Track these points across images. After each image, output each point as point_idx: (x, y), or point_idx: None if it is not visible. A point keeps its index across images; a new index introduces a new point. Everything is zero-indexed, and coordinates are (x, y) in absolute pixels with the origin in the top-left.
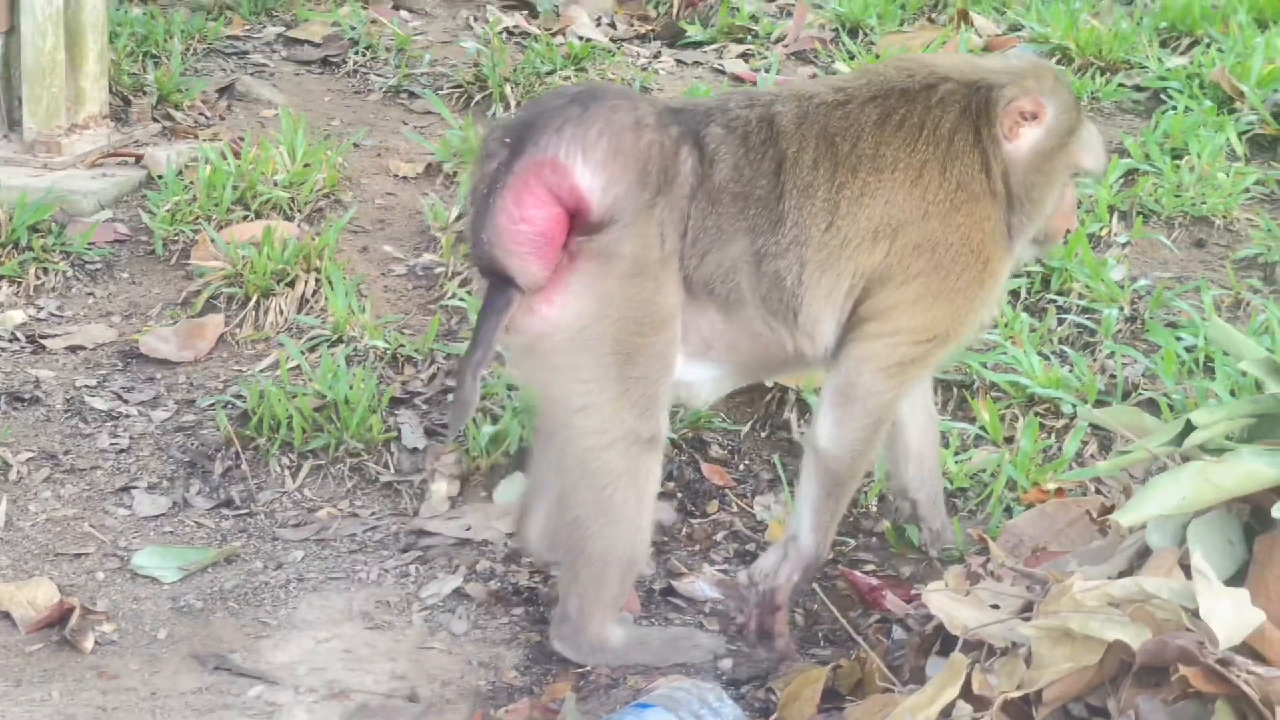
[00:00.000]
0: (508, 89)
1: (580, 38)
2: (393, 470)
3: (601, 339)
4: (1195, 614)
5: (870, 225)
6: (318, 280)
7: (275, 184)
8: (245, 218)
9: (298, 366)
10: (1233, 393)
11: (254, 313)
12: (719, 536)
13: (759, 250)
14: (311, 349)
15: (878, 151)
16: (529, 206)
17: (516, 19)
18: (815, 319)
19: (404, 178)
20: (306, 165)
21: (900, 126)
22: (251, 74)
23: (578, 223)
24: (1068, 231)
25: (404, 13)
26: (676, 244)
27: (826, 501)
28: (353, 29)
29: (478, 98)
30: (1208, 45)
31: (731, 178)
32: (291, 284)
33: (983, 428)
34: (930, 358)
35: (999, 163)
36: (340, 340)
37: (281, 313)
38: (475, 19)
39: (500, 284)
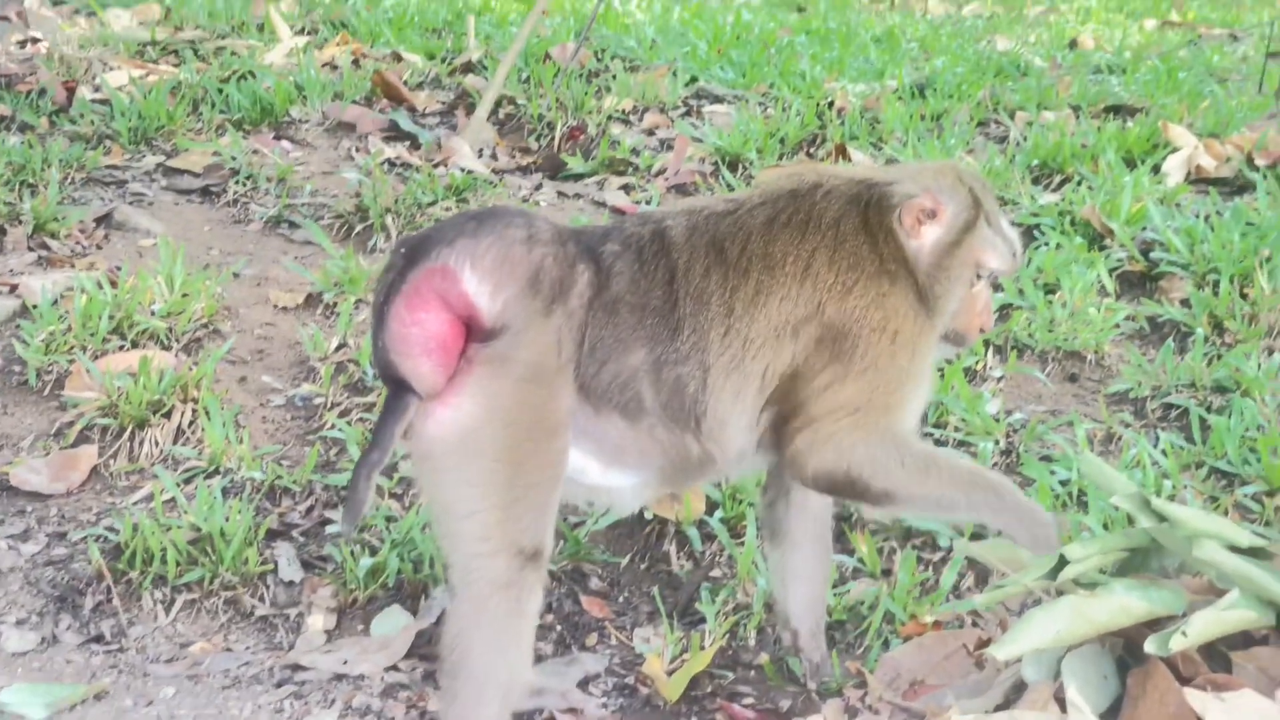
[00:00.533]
0: (389, 219)
1: (462, 169)
2: (268, 604)
3: (493, 443)
4: None
5: (770, 325)
6: (194, 411)
7: (153, 314)
8: (121, 348)
9: (173, 499)
10: (1106, 526)
11: (129, 444)
12: (599, 671)
13: (658, 359)
14: (187, 480)
15: (767, 251)
16: (420, 311)
17: (398, 150)
18: (722, 422)
19: (283, 308)
20: (185, 295)
21: (787, 224)
22: (130, 203)
23: (474, 330)
24: (982, 330)
25: (285, 143)
26: (573, 353)
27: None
28: (233, 159)
29: (359, 228)
30: (1078, 183)
31: (628, 289)
32: (168, 414)
33: (861, 560)
34: (870, 425)
35: (893, 248)
36: (217, 472)
37: (157, 444)
38: (357, 150)
39: (399, 389)
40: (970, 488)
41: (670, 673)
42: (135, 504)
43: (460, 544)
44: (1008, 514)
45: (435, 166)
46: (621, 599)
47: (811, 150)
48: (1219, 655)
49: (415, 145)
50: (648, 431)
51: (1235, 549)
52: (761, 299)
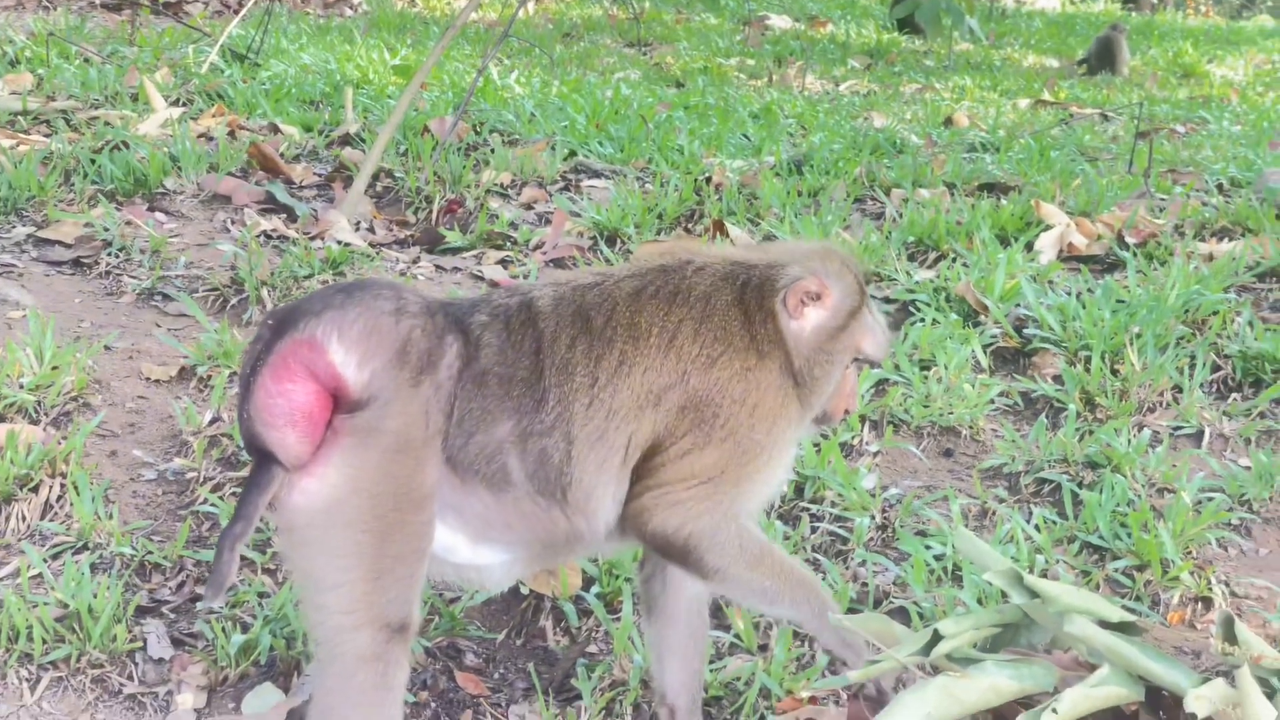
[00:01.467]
0: (264, 292)
1: (339, 242)
2: (137, 682)
3: (359, 514)
4: None
5: (633, 395)
6: (63, 485)
7: (20, 386)
8: None
9: (39, 574)
10: (980, 601)
11: None
12: None
13: (524, 430)
14: (55, 556)
15: (632, 321)
16: (285, 382)
17: (274, 222)
18: (588, 494)
19: (156, 381)
20: (54, 368)
21: (655, 295)
22: (0, 274)
23: (340, 402)
24: (847, 412)
25: (159, 214)
26: (441, 425)
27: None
28: (106, 230)
29: (234, 301)
30: (953, 260)
31: (496, 360)
32: (35, 489)
33: (738, 635)
34: (718, 498)
35: (770, 328)
36: (85, 547)
37: (24, 519)
38: (232, 222)
39: (264, 460)
40: (796, 587)
41: None
42: (1, 580)
43: (325, 617)
44: (826, 625)
45: (312, 239)
46: (497, 675)
47: (689, 225)
48: None
49: (292, 218)
50: (514, 504)
51: (1105, 624)
52: (625, 369)
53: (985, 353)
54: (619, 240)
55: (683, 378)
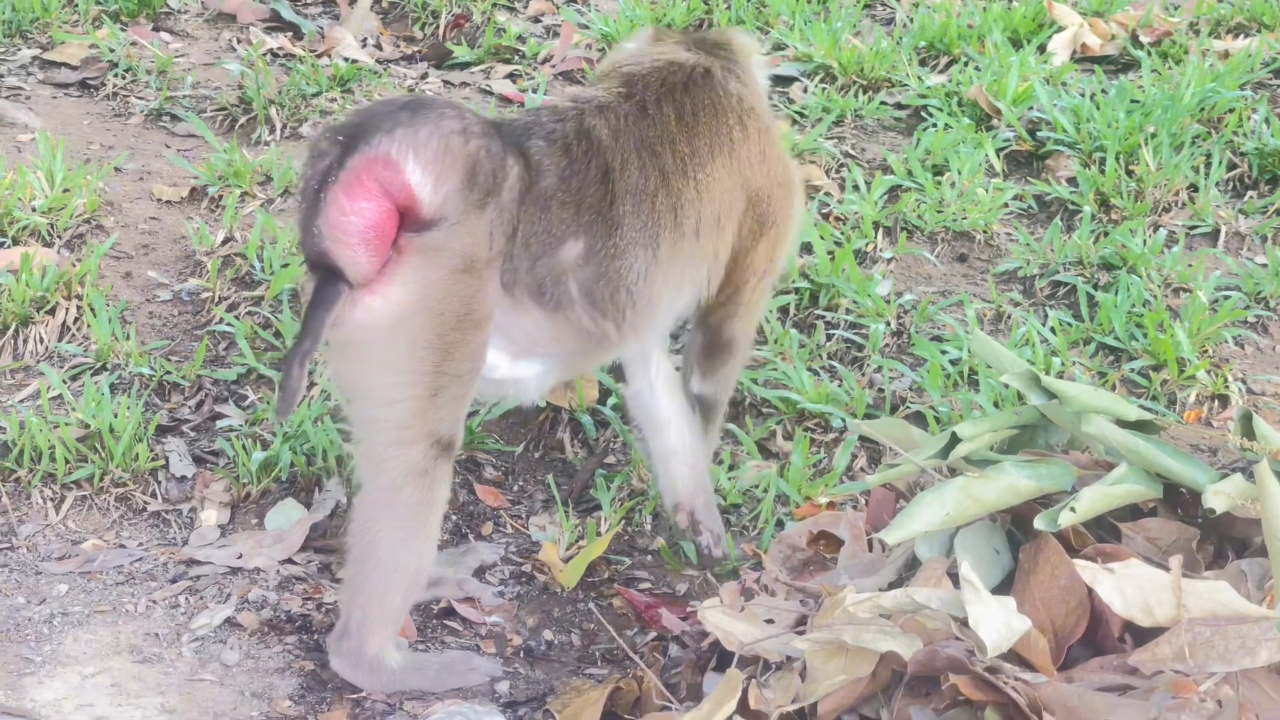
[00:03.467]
0: (273, 111)
1: (346, 59)
2: (160, 500)
3: (422, 332)
4: (964, 623)
5: (712, 211)
6: (79, 307)
7: (33, 210)
8: (2, 244)
9: (59, 396)
10: (996, 404)
11: (12, 341)
12: (495, 560)
13: (593, 252)
14: (74, 378)
15: (693, 146)
16: (360, 199)
17: (280, 40)
18: (652, 311)
19: (168, 202)
20: (66, 190)
21: (696, 114)
22: (6, 98)
23: (407, 219)
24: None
25: (165, 35)
26: (504, 247)
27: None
28: (112, 51)
29: (242, 120)
30: (965, 64)
31: (560, 186)
32: (52, 311)
33: (748, 451)
34: (769, 286)
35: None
36: (104, 368)
37: (42, 341)
38: (238, 41)
39: (329, 278)
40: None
41: (567, 560)
42: (21, 402)
43: (379, 432)
44: None
45: (319, 57)
46: (516, 487)
47: None
48: (1109, 526)
49: (298, 35)
50: (566, 322)
51: (1123, 423)
52: (699, 190)
53: (999, 157)
54: None
55: (744, 182)
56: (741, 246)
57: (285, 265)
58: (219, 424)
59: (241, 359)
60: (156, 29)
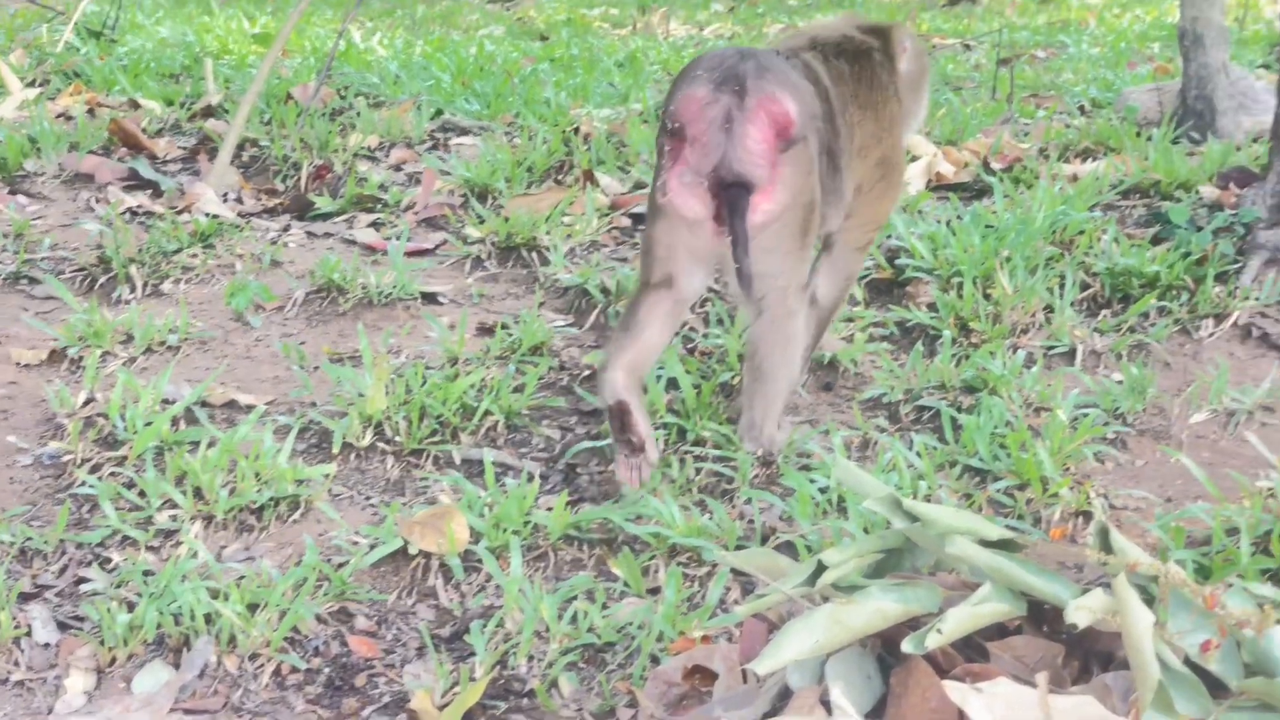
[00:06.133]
0: (133, 270)
1: (207, 215)
2: (24, 668)
3: (796, 219)
4: None
5: (862, 145)
6: None
7: None
8: None
9: None
10: (865, 530)
11: None
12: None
13: (833, 156)
14: None
15: (855, 93)
16: (763, 127)
17: (140, 198)
18: (843, 199)
19: (26, 366)
20: None
21: (858, 78)
22: None
23: (780, 140)
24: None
25: (21, 198)
26: (817, 152)
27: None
28: None
29: (102, 280)
30: None
31: (819, 115)
32: None
33: (625, 583)
34: (872, 236)
35: (895, 80)
36: None
37: None
38: (97, 200)
39: (738, 191)
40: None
41: (442, 708)
42: None
43: (781, 287)
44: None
45: (179, 213)
46: (390, 636)
47: (559, 177)
48: (977, 646)
49: (157, 193)
50: (824, 209)
51: (986, 543)
52: (857, 129)
53: (860, 285)
54: (490, 196)
55: (878, 140)
56: (866, 186)
57: (149, 424)
58: (83, 588)
59: (105, 521)
60: (13, 192)
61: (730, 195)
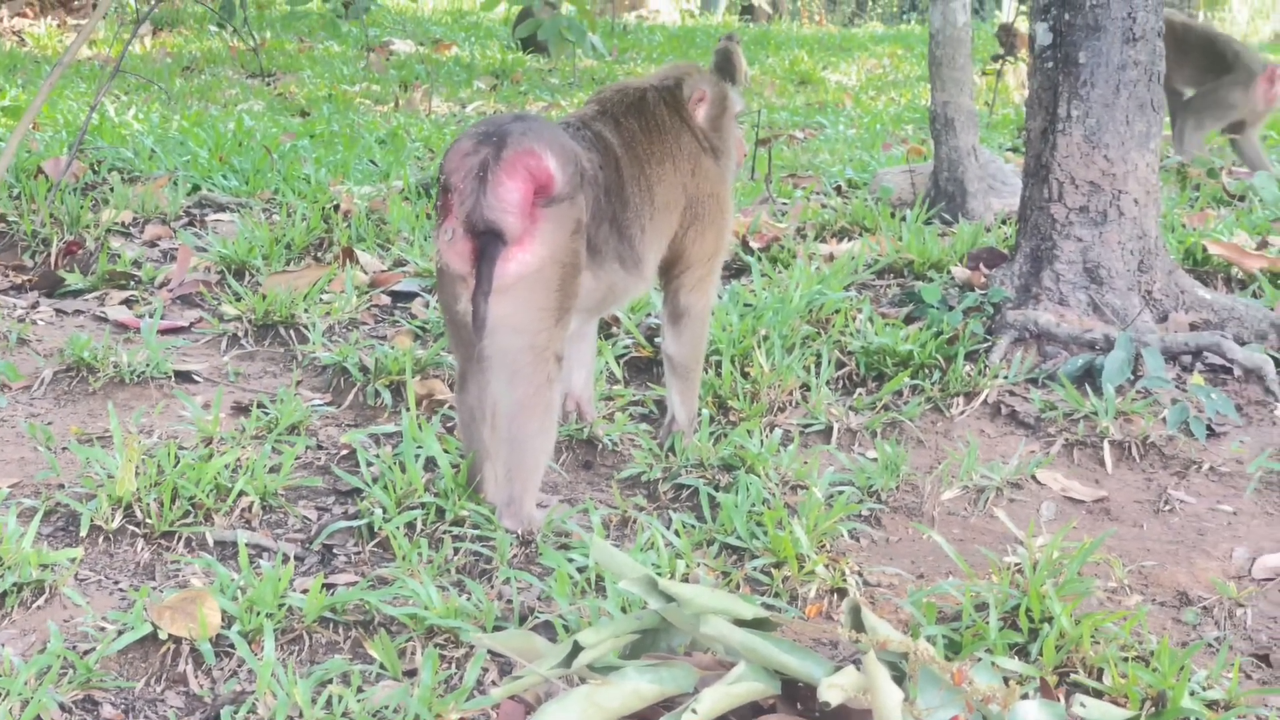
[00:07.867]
0: None
1: None
2: None
3: (554, 277)
4: None
5: (665, 199)
6: None
7: None
8: None
9: None
10: (624, 609)
11: None
12: None
13: (617, 222)
14: None
15: (649, 150)
16: (516, 179)
17: None
18: (650, 267)
19: None
20: None
21: (647, 130)
22: None
23: (540, 195)
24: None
25: None
26: (589, 217)
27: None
28: None
29: None
30: None
31: (599, 174)
32: None
33: (382, 665)
34: (717, 271)
35: (692, 130)
36: None
37: None
38: None
39: (491, 239)
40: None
41: None
42: None
43: (523, 353)
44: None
45: None
46: None
47: (319, 254)
48: None
49: None
50: (607, 276)
51: (741, 622)
52: (657, 184)
53: (619, 364)
54: (247, 273)
55: (683, 186)
56: (685, 232)
57: None
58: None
59: None
60: None
61: (482, 241)
